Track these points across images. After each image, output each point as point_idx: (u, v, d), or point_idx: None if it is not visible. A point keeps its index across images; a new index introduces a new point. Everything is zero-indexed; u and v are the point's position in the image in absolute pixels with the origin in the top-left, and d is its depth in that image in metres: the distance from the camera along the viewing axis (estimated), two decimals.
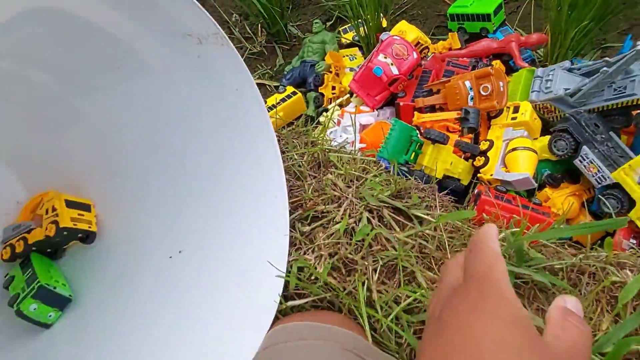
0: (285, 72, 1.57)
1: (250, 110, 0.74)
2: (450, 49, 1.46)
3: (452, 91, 1.09)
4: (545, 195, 1.05)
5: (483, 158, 1.07)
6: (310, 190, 0.92)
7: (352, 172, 0.90)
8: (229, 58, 0.65)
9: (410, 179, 0.93)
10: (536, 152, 1.04)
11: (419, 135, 0.98)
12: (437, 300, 0.38)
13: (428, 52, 1.32)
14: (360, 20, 1.33)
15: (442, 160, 1.04)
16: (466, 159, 1.11)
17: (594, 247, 0.75)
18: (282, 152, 1.02)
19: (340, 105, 1.32)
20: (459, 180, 1.09)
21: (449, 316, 0.36)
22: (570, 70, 1.07)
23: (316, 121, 1.38)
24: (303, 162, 1.00)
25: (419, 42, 1.24)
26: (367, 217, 0.84)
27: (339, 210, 0.88)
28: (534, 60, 1.39)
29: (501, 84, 1.10)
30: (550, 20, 1.24)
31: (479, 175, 1.08)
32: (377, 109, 1.26)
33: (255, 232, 0.74)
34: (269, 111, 1.41)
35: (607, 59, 1.02)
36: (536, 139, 1.12)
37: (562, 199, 1.02)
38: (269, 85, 1.62)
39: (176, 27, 0.60)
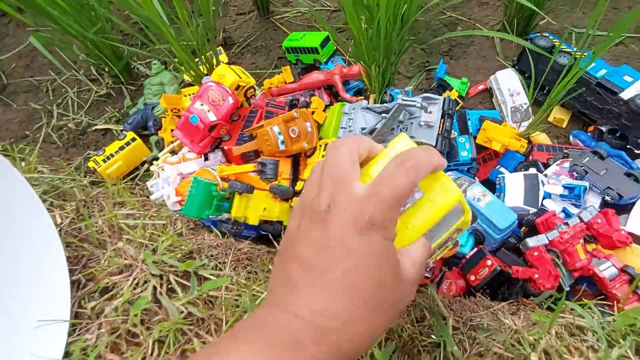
0: (129, 116, 1.55)
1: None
2: (285, 82, 1.51)
3: (262, 138, 1.13)
4: None
5: (296, 198, 1.12)
6: (104, 260, 0.93)
7: (141, 240, 0.91)
8: None
9: (205, 237, 0.96)
10: None
11: (218, 189, 1.01)
12: (299, 208, 0.40)
13: (254, 90, 1.35)
14: (185, 64, 1.34)
15: (254, 208, 1.07)
16: (285, 200, 1.15)
17: None
18: (90, 217, 1.01)
19: (173, 152, 1.32)
20: (280, 222, 1.13)
21: (316, 227, 0.36)
22: (369, 108, 1.14)
23: (146, 170, 1.37)
24: (104, 228, 1.00)
25: (239, 85, 1.27)
26: (154, 285, 0.86)
27: (127, 280, 0.88)
28: (361, 90, 1.47)
29: (308, 124, 1.15)
30: (354, 53, 1.31)
31: None
32: (206, 154, 1.28)
33: (33, 324, 0.74)
34: (106, 161, 1.38)
35: (384, 104, 1.10)
36: None
37: None
38: (116, 130, 1.59)
39: None
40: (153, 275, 0.84)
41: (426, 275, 1.07)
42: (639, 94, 1.22)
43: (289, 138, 1.13)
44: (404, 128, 1.08)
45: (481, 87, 1.51)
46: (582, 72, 1.10)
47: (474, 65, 1.59)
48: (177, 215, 1.04)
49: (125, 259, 0.88)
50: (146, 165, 1.44)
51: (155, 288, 0.83)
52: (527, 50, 1.41)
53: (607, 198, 1.05)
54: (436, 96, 1.06)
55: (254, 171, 1.07)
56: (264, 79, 1.58)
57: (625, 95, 1.24)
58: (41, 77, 1.79)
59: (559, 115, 1.42)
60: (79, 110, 1.66)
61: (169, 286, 0.84)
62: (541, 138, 1.36)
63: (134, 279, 0.84)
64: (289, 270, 0.37)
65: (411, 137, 1.05)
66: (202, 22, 1.34)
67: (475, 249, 1.04)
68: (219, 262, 0.92)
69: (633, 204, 1.04)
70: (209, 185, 0.99)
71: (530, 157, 1.30)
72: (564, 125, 1.42)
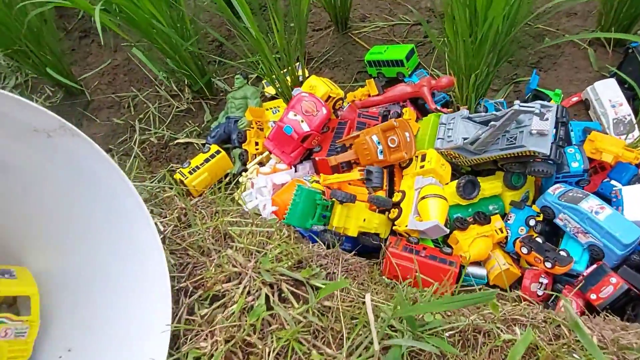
0: (211, 129, 1.56)
1: (124, 203, 0.74)
2: (368, 95, 1.49)
3: (361, 147, 1.11)
4: (455, 239, 1.06)
5: (397, 210, 1.08)
6: (212, 267, 0.91)
7: (250, 246, 0.89)
8: (84, 147, 0.65)
9: (313, 246, 0.93)
10: (445, 199, 1.05)
11: (323, 198, 0.98)
12: None
13: (343, 102, 1.33)
14: (273, 76, 1.34)
15: (355, 218, 1.04)
16: (382, 212, 1.12)
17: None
18: (189, 226, 1.00)
19: (260, 163, 1.32)
20: (377, 234, 1.09)
21: None
22: (469, 118, 1.10)
23: (235, 181, 1.37)
24: (208, 236, 0.99)
25: (329, 96, 1.25)
26: (266, 294, 0.83)
27: (238, 288, 0.86)
28: (448, 102, 1.43)
29: (407, 134, 1.12)
30: (450, 64, 1.27)
31: (394, 227, 1.09)
32: (295, 165, 1.27)
33: (137, 330, 0.72)
34: (192, 172, 1.40)
35: (494, 113, 1.05)
36: (447, 184, 1.13)
37: (469, 241, 1.03)
38: (197, 144, 1.61)
39: (21, 125, 0.61)
40: (264, 283, 0.82)
41: (538, 293, 1.00)
42: None
43: (387, 148, 1.10)
44: (511, 137, 1.02)
45: (575, 98, 1.44)
46: None
47: (565, 77, 1.52)
48: (280, 224, 1.02)
49: (234, 266, 0.85)
50: (229, 178, 1.44)
51: (267, 297, 0.80)
52: (624, 60, 1.34)
53: None
54: (549, 103, 1.00)
55: (360, 179, 1.04)
56: (346, 92, 1.56)
57: None
58: (123, 93, 1.84)
59: None
60: (160, 124, 1.70)
61: (282, 295, 0.81)
62: None
63: (245, 287, 0.82)
64: None
65: (521, 145, 0.99)
66: (293, 36, 1.34)
67: (595, 266, 0.96)
68: (329, 272, 0.88)
69: None
70: (314, 193, 0.97)
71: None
72: None
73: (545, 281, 1.00)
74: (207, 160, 1.41)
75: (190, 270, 0.90)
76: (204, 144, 1.56)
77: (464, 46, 1.14)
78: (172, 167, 1.56)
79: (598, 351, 0.63)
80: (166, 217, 1.00)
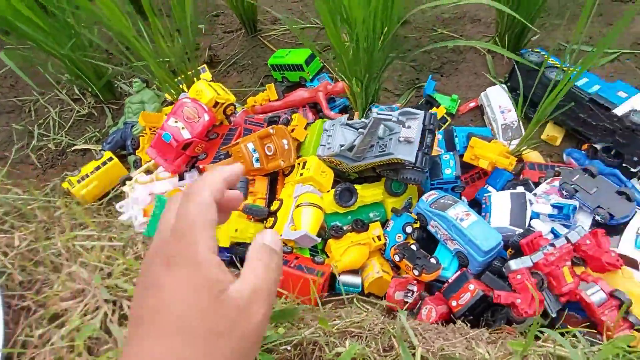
0: (108, 135, 1.51)
1: None
2: (269, 100, 1.47)
3: (237, 155, 1.08)
4: (329, 247, 1.05)
5: (272, 219, 1.06)
6: (57, 285, 0.86)
7: (97, 262, 0.85)
8: None
9: None
10: (319, 207, 1.04)
11: None
12: (149, 252, 0.39)
13: (235, 108, 1.30)
14: (169, 80, 1.30)
15: (224, 229, 1.01)
16: (260, 220, 1.10)
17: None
18: (50, 239, 0.95)
19: (148, 171, 1.27)
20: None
21: (148, 275, 0.38)
22: (348, 125, 1.09)
23: (120, 190, 1.32)
24: (63, 251, 0.94)
25: (217, 102, 1.22)
26: (105, 312, 0.80)
27: (78, 306, 0.82)
28: (347, 107, 1.42)
29: (285, 142, 1.10)
30: (339, 69, 1.27)
31: None
32: (182, 173, 1.23)
33: None
34: (81, 181, 1.33)
35: (363, 120, 1.05)
36: (329, 191, 1.12)
37: (341, 250, 1.03)
38: (95, 150, 1.55)
39: None
40: (106, 301, 0.78)
41: (405, 300, 1.00)
42: (633, 110, 1.17)
43: (264, 155, 1.08)
44: (383, 144, 1.02)
45: (472, 104, 1.46)
46: (569, 86, 1.05)
47: (465, 82, 1.54)
48: (141, 237, 0.98)
49: (79, 283, 0.82)
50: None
51: (106, 315, 0.77)
52: (517, 66, 1.37)
53: (598, 218, 0.98)
54: (416, 111, 1.01)
55: None
56: (249, 96, 1.54)
57: (619, 111, 1.18)
58: (25, 97, 1.76)
59: (552, 133, 1.36)
60: (59, 130, 1.63)
61: (122, 313, 0.78)
62: (533, 156, 1.30)
63: (85, 305, 0.78)
64: (137, 318, 0.37)
65: (390, 153, 0.99)
66: (181, 39, 1.30)
67: (458, 273, 0.97)
68: None
69: (626, 224, 0.97)
70: None
71: (521, 175, 1.23)
72: (558, 144, 1.36)
73: (414, 288, 1.00)
74: (97, 168, 1.35)
75: (38, 288, 0.86)
76: (99, 151, 1.51)
77: (342, 51, 1.13)
78: (66, 174, 1.49)
79: None
80: (23, 231, 0.95)
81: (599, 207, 0.98)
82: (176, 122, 1.16)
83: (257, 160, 1.08)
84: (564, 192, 1.02)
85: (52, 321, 0.79)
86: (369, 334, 0.75)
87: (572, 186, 1.02)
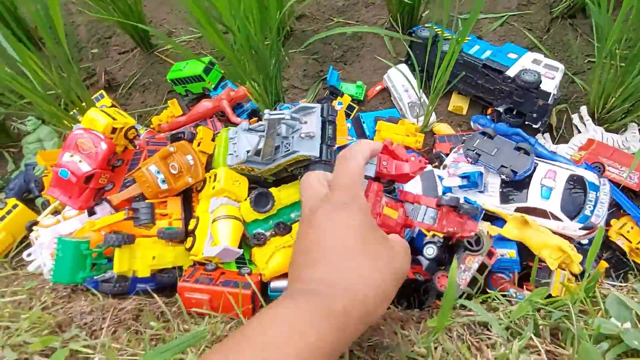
0: (10, 181, 1.40)
1: None
2: (173, 116, 1.42)
3: (140, 180, 1.03)
4: (255, 256, 1.03)
5: (191, 238, 1.03)
6: None
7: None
8: None
9: (76, 304, 0.85)
10: (237, 217, 1.02)
11: (92, 246, 0.90)
12: (307, 206, 0.51)
13: (136, 131, 1.25)
14: (60, 112, 1.23)
15: (142, 257, 0.97)
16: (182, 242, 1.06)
17: None
18: None
19: (56, 212, 1.20)
20: (176, 268, 1.03)
21: (315, 218, 0.48)
22: (251, 129, 1.07)
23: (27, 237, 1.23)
24: None
25: (114, 128, 1.16)
26: None
27: None
28: (255, 111, 1.40)
29: (189, 157, 1.06)
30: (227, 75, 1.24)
31: (190, 257, 1.03)
32: (93, 207, 1.16)
33: None
34: None
35: (262, 122, 1.03)
36: (246, 199, 1.10)
37: (266, 257, 1.01)
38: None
39: None
40: None
41: None
42: (523, 69, 1.22)
43: (170, 175, 1.04)
44: (287, 143, 1.00)
45: (379, 87, 1.48)
46: (457, 52, 1.07)
47: (369, 67, 1.56)
48: (50, 285, 0.92)
49: None
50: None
51: None
52: (411, 44, 1.39)
53: (503, 176, 1.02)
54: (312, 104, 1.00)
55: (126, 218, 0.97)
56: (153, 116, 1.48)
57: (511, 72, 1.24)
58: None
59: (457, 103, 1.40)
60: None
61: None
62: (443, 128, 1.33)
63: None
64: (305, 252, 0.47)
65: (295, 151, 0.98)
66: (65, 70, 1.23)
67: None
68: (94, 330, 0.80)
69: (530, 177, 1.01)
70: (78, 244, 0.88)
71: (434, 149, 1.26)
72: (465, 112, 1.40)
73: None
74: (2, 218, 1.26)
75: None
76: (2, 199, 1.40)
77: (230, 56, 1.10)
78: None
79: None
80: None
81: (502, 166, 1.01)
82: (72, 155, 1.09)
83: (164, 181, 1.03)
84: (468, 159, 1.05)
85: None
86: None
87: (475, 151, 1.05)
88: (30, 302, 0.84)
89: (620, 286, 0.69)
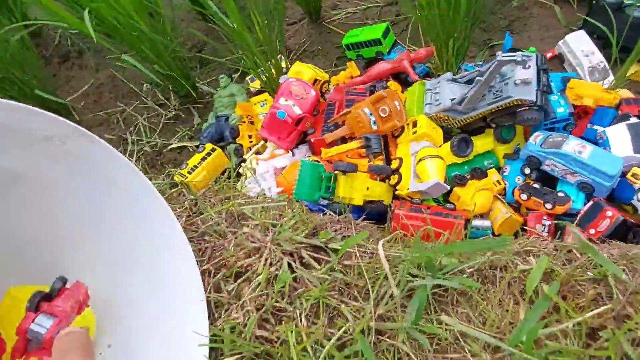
0: (202, 131, 1.59)
1: (143, 202, 0.76)
2: (351, 77, 1.53)
3: (354, 121, 1.14)
4: (457, 195, 1.10)
5: (396, 176, 1.12)
6: (231, 247, 0.94)
7: (266, 221, 0.92)
8: (102, 152, 0.67)
9: (325, 215, 0.97)
10: (441, 158, 1.10)
11: (326, 170, 1.02)
12: None
13: (329, 85, 1.37)
14: (259, 69, 1.38)
15: (358, 188, 1.07)
16: (382, 180, 1.15)
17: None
18: (201, 214, 1.03)
19: (257, 153, 1.35)
20: (381, 201, 1.13)
21: None
22: (454, 80, 1.14)
23: (235, 173, 1.39)
24: (221, 220, 1.02)
25: (316, 80, 1.29)
26: (287, 262, 0.87)
27: (260, 261, 0.89)
28: (429, 73, 1.47)
29: (397, 103, 1.16)
30: (428, 33, 1.32)
31: (396, 192, 1.12)
32: (292, 149, 1.30)
33: (172, 311, 0.75)
34: (191, 172, 1.42)
35: (479, 69, 1.10)
36: (441, 146, 1.18)
37: (470, 195, 1.07)
38: (190, 147, 1.63)
39: (32, 133, 0.61)
40: (284, 253, 0.85)
41: (542, 234, 1.05)
42: None
43: (380, 118, 1.14)
44: (497, 90, 1.07)
45: (549, 54, 1.50)
46: None
47: (537, 36, 1.58)
48: (290, 200, 1.05)
49: (253, 242, 0.88)
50: (227, 173, 1.46)
51: (290, 264, 0.83)
52: (590, 10, 1.40)
53: None
54: (528, 53, 1.05)
55: (360, 147, 1.08)
56: (330, 77, 1.60)
57: None
58: (110, 110, 1.86)
59: (637, 69, 1.39)
60: (151, 134, 1.72)
61: (303, 261, 0.84)
62: (625, 94, 1.33)
63: (266, 259, 0.85)
64: None
65: (508, 96, 1.04)
66: (272, 30, 1.38)
67: (591, 202, 1.01)
68: (344, 236, 0.92)
69: None
70: (317, 166, 1.00)
71: (620, 111, 1.26)
72: None
73: (547, 222, 1.04)
74: (203, 159, 1.43)
75: (210, 254, 0.92)
76: (197, 146, 1.59)
77: (439, 13, 1.18)
78: (169, 172, 1.57)
79: (611, 263, 0.68)
80: (177, 210, 1.03)
81: None
82: (286, 100, 1.23)
83: (374, 122, 1.14)
84: None
85: (237, 278, 0.86)
86: (545, 251, 0.80)
87: None
88: (283, 211, 0.97)
89: None
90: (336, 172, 1.04)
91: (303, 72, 1.27)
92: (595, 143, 1.13)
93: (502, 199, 1.15)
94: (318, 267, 0.81)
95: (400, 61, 1.43)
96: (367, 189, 1.08)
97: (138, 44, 1.36)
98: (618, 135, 1.08)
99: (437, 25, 1.22)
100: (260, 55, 1.33)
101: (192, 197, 1.06)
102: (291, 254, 0.85)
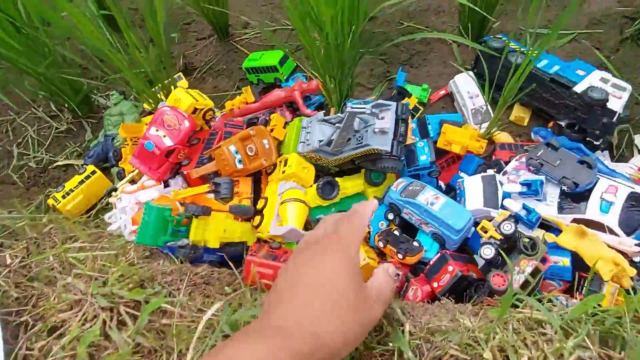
0: (90, 149, 1.52)
1: None
2: (246, 103, 1.51)
3: (220, 158, 1.12)
4: None
5: (259, 217, 1.10)
6: (53, 297, 0.89)
7: (92, 272, 0.88)
8: None
9: (159, 264, 0.93)
10: (304, 202, 1.08)
11: (172, 214, 0.98)
12: (304, 239, 0.58)
13: (213, 113, 1.34)
14: (147, 90, 1.33)
15: (214, 230, 1.05)
16: (248, 219, 1.13)
17: None
18: (40, 254, 0.98)
19: (132, 181, 1.30)
20: (241, 243, 1.11)
21: (304, 255, 0.53)
22: (325, 120, 1.13)
23: (106, 202, 1.34)
24: (55, 265, 0.97)
25: (196, 109, 1.25)
26: (104, 319, 0.83)
27: (76, 316, 0.85)
28: (322, 105, 1.47)
29: (265, 141, 1.14)
30: (312, 68, 1.31)
31: (256, 234, 1.10)
32: (166, 181, 1.26)
33: None
34: (66, 196, 1.34)
35: (338, 114, 1.09)
36: (312, 186, 1.16)
37: None
38: (77, 165, 1.56)
39: None
40: (103, 308, 0.81)
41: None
42: (591, 87, 1.23)
43: (246, 156, 1.12)
44: (360, 137, 1.07)
45: (442, 92, 1.52)
46: (529, 67, 1.10)
47: (435, 72, 1.60)
48: (132, 245, 1.01)
49: (75, 294, 0.84)
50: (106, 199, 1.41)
51: (105, 322, 0.80)
52: (480, 53, 1.43)
53: (564, 188, 1.05)
54: (388, 102, 1.06)
55: (208, 192, 1.05)
56: (226, 100, 1.57)
57: (578, 88, 1.25)
58: (1, 118, 1.76)
59: (519, 114, 1.42)
60: (39, 148, 1.64)
61: (120, 318, 0.81)
62: (503, 137, 1.36)
63: (84, 314, 0.81)
64: (284, 289, 0.51)
65: (367, 144, 1.04)
66: (155, 49, 1.33)
67: (438, 255, 1.02)
68: (173, 289, 0.89)
69: (590, 190, 1.04)
70: (162, 210, 0.97)
71: (493, 156, 1.29)
72: (525, 123, 1.42)
73: (400, 272, 1.05)
74: (82, 182, 1.37)
75: (34, 302, 0.88)
76: (82, 165, 1.52)
77: (314, 50, 1.17)
78: (49, 192, 1.50)
79: (401, 337, 0.68)
80: (15, 248, 0.97)
81: (564, 177, 1.04)
82: (157, 130, 1.19)
83: (240, 161, 1.11)
84: (530, 167, 1.08)
85: (51, 333, 0.81)
86: None
87: (538, 161, 1.08)
88: (116, 259, 0.93)
89: None
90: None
91: (182, 99, 1.23)
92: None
93: (367, 244, 1.15)
94: (133, 326, 0.78)
95: (292, 91, 1.42)
96: (224, 231, 1.06)
97: (9, 58, 1.28)
98: (473, 186, 1.11)
99: (316, 61, 1.21)
100: (140, 79, 1.28)
101: (34, 235, 1.01)
102: (111, 309, 0.82)
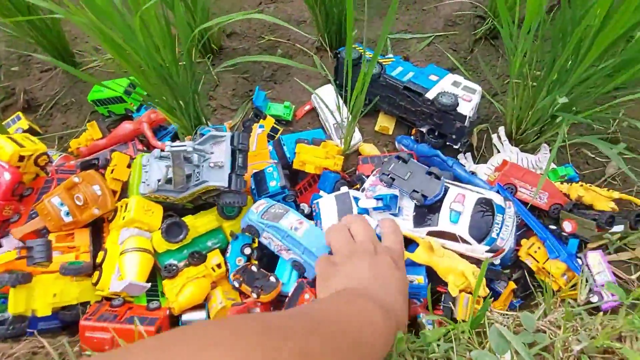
0: None
1: None
2: (92, 140, 1.37)
3: (42, 213, 0.99)
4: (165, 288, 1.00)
5: (97, 272, 0.98)
6: None
7: None
8: None
9: None
10: (145, 250, 0.98)
11: None
12: (342, 249, 0.70)
13: (48, 157, 1.19)
14: None
15: (42, 296, 0.92)
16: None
17: None
18: None
19: None
20: (79, 305, 0.98)
21: (377, 257, 0.67)
22: (161, 157, 1.03)
23: None
24: None
25: (22, 156, 1.10)
26: None
27: None
28: (176, 136, 1.36)
29: (96, 187, 1.02)
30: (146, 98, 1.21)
31: (97, 292, 0.98)
32: None
33: None
34: None
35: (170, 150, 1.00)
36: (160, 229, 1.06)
37: (177, 290, 0.97)
38: None
39: None
40: None
41: None
42: (441, 92, 1.24)
43: (75, 207, 0.99)
44: (198, 172, 0.98)
45: (307, 107, 1.47)
46: (369, 75, 1.07)
47: (299, 86, 1.55)
48: None
49: None
50: None
51: None
52: (337, 64, 1.40)
53: (414, 201, 1.03)
54: (222, 133, 0.98)
55: (18, 258, 0.92)
56: (73, 139, 1.42)
57: (430, 95, 1.25)
58: None
59: (384, 123, 1.41)
60: None
61: None
62: (368, 149, 1.34)
63: None
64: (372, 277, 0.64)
65: (204, 181, 0.96)
66: None
67: (296, 284, 0.96)
68: None
69: (441, 201, 1.02)
70: None
71: (357, 171, 1.26)
72: (391, 132, 1.41)
73: (258, 310, 0.98)
74: None
75: None
76: None
77: (140, 80, 1.07)
78: None
79: None
80: None
81: (414, 191, 1.02)
82: None
83: (68, 213, 0.99)
84: (383, 183, 1.05)
85: None
86: None
87: (389, 176, 1.05)
88: None
89: (506, 314, 0.70)
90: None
91: (3, 148, 1.08)
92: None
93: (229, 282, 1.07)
94: None
95: (140, 123, 1.30)
96: (54, 295, 0.93)
97: None
98: (328, 207, 1.06)
99: (148, 89, 1.11)
100: None
101: None
102: None
